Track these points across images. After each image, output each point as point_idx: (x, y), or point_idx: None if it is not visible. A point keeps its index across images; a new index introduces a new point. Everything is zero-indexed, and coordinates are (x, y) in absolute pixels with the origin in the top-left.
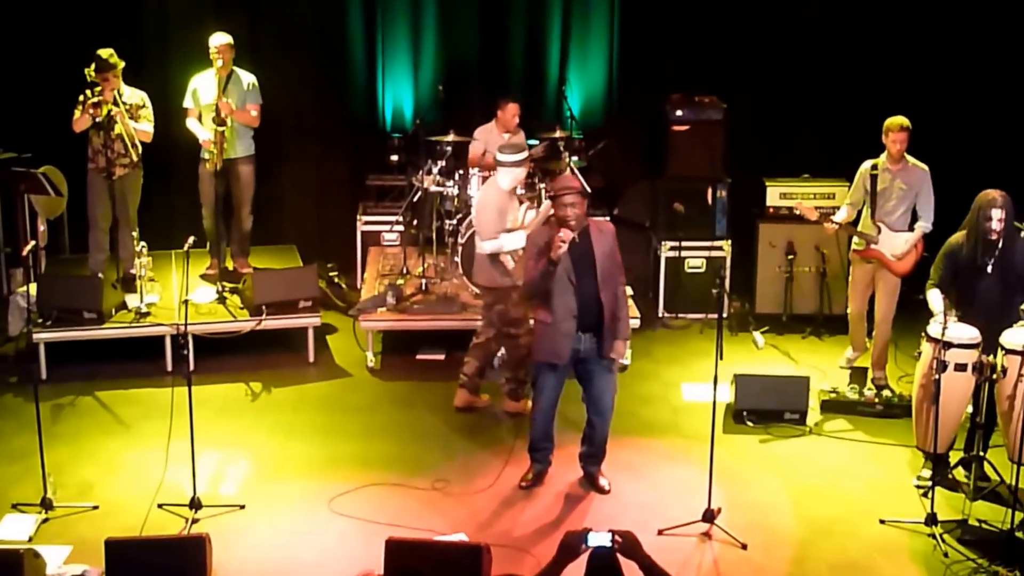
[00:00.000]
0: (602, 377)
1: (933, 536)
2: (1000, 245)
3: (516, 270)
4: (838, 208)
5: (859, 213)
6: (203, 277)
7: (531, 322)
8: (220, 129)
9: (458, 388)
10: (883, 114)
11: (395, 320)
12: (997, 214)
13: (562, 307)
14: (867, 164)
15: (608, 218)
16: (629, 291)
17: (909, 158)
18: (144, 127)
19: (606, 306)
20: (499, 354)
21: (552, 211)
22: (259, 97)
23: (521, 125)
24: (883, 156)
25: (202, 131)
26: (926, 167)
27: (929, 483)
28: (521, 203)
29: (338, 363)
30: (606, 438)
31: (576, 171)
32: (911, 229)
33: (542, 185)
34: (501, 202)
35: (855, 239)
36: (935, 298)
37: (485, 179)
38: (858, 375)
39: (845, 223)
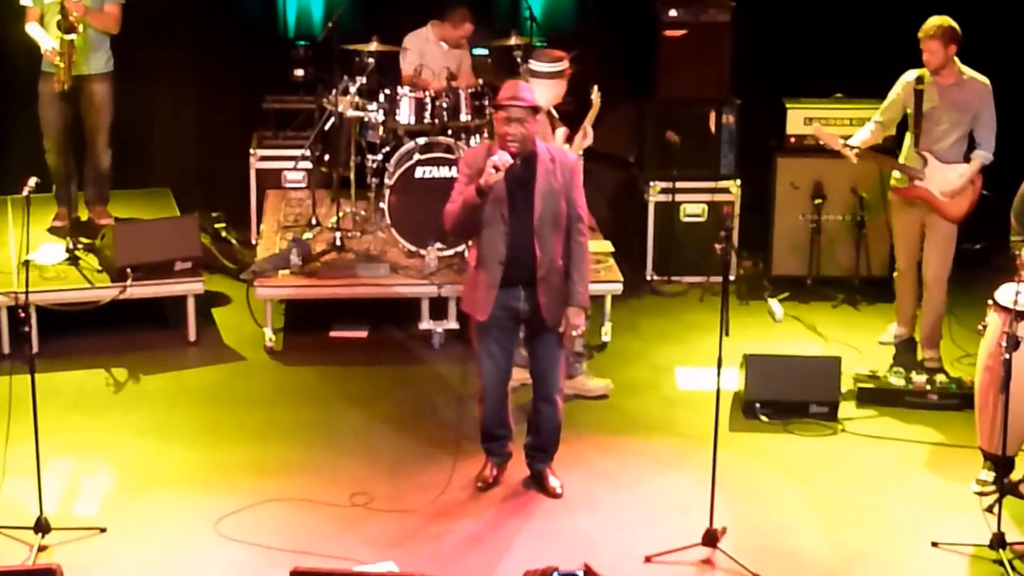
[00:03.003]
0: (547, 350)
1: (1000, 563)
2: None
3: None
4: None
5: (898, 142)
6: (49, 231)
7: None
8: (68, 37)
9: None
10: (940, 9)
11: (301, 286)
12: None
13: (489, 250)
14: (911, 74)
15: (580, 155)
16: (608, 247)
17: (965, 69)
18: None
19: (541, 256)
20: (439, 328)
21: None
22: None
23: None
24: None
25: (45, 38)
26: (987, 81)
27: (989, 491)
28: (556, 128)
29: (227, 343)
30: (557, 428)
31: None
32: (966, 160)
33: (490, 108)
34: (542, 126)
35: (895, 174)
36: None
37: (419, 102)
38: (905, 355)
39: (868, 149)
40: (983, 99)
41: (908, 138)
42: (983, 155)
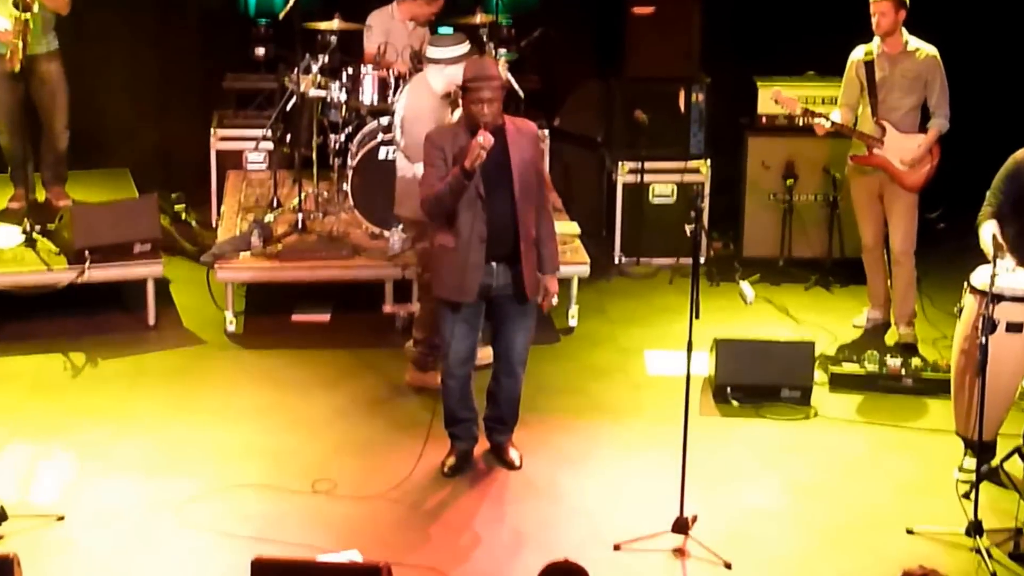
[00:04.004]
0: (515, 321)
1: (977, 550)
2: None
3: None
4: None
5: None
6: (5, 213)
7: None
8: (24, 16)
9: (408, 365)
10: None
11: (263, 269)
12: None
13: (468, 229)
14: (858, 51)
15: (546, 131)
16: (575, 228)
17: (911, 39)
18: None
19: (523, 229)
20: (402, 312)
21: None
22: None
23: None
24: (876, 39)
25: None
26: (934, 49)
27: (972, 480)
28: (454, 110)
29: (187, 326)
30: (517, 399)
31: (503, 65)
32: (923, 131)
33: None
34: (435, 111)
35: (853, 143)
36: (988, 233)
37: (383, 81)
38: (878, 338)
39: (840, 123)
40: (931, 68)
41: (864, 110)
42: (939, 123)
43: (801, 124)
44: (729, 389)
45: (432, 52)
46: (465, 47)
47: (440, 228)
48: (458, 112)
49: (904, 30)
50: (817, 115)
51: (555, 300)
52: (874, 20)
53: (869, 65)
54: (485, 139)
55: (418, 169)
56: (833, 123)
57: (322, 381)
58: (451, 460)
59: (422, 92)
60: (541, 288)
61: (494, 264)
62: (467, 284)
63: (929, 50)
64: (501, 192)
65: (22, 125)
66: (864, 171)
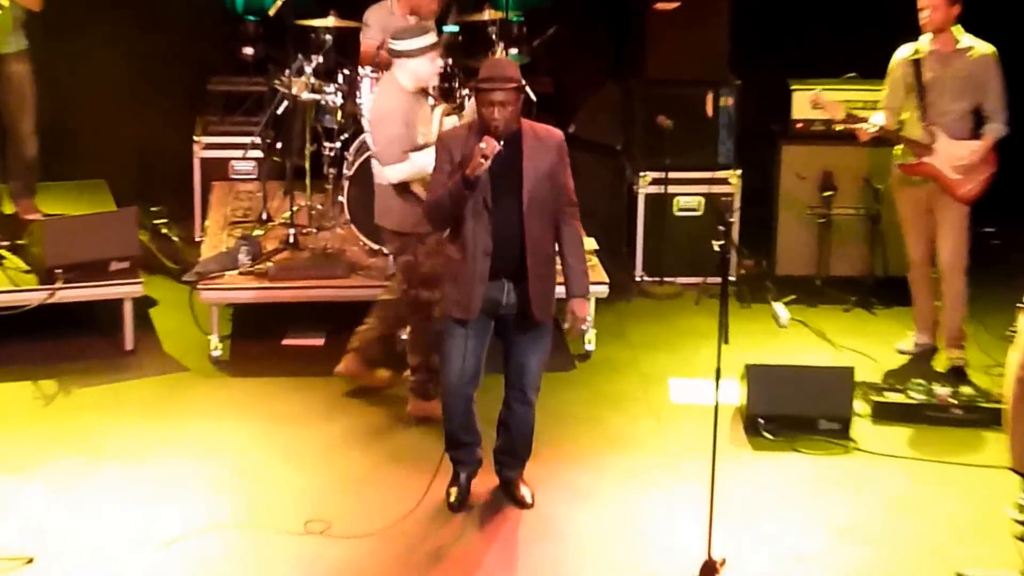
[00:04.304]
0: (527, 344)
1: None
2: None
3: None
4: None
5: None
6: None
7: None
8: None
9: (347, 352)
10: None
11: (251, 289)
12: None
13: (473, 240)
14: (905, 49)
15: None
16: (592, 244)
17: (964, 37)
18: None
19: (531, 244)
20: (402, 335)
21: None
22: None
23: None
24: (925, 36)
25: None
26: (991, 48)
27: None
28: (435, 107)
29: (168, 352)
30: (530, 430)
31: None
32: (977, 137)
33: (465, 92)
34: (405, 109)
35: (898, 150)
36: None
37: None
38: (925, 364)
39: (886, 129)
40: (987, 68)
41: (912, 114)
42: (996, 128)
43: (841, 130)
44: (761, 420)
45: (394, 44)
46: (430, 38)
47: (447, 239)
48: (438, 111)
49: (958, 27)
50: (860, 120)
51: (585, 326)
52: (923, 16)
53: (917, 65)
54: (488, 146)
55: (388, 173)
56: (879, 127)
57: (316, 411)
58: (455, 490)
59: (390, 90)
60: (568, 313)
61: (504, 280)
62: (470, 299)
63: (984, 49)
64: (509, 203)
65: None
66: (912, 181)
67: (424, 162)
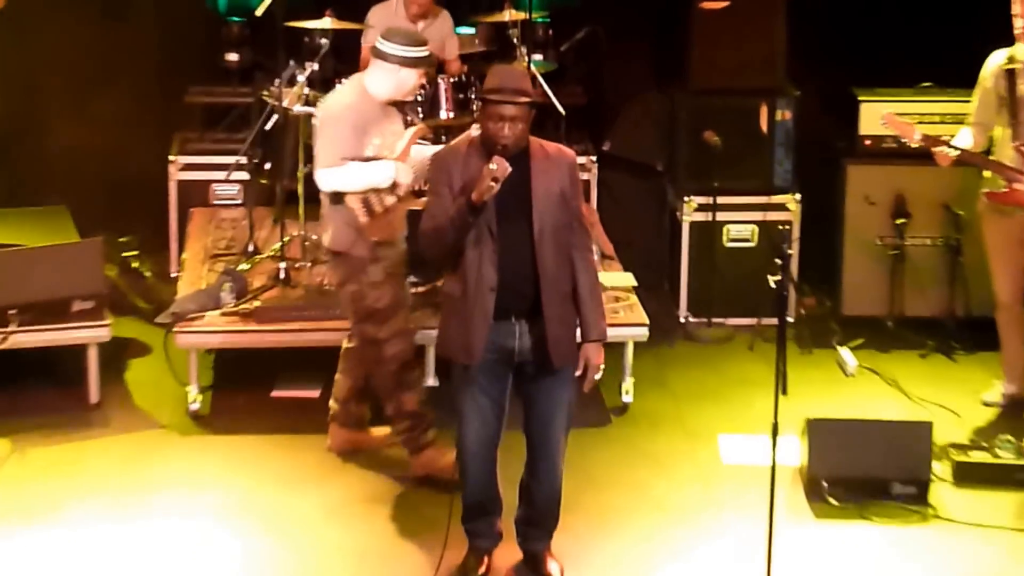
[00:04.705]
0: (549, 395)
1: None
2: None
3: (373, 226)
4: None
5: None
6: None
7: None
8: None
9: (330, 423)
10: None
11: (235, 332)
12: None
13: (475, 272)
14: (998, 56)
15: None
16: (630, 280)
17: None
18: None
19: (546, 277)
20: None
21: (477, 128)
22: None
23: (449, 3)
24: (1021, 46)
25: None
26: None
27: None
28: (409, 125)
29: (139, 405)
30: (558, 496)
31: (537, 75)
32: None
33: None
34: (362, 114)
35: (986, 175)
36: None
37: None
38: (1015, 418)
39: (971, 152)
40: None
41: (1002, 132)
42: None
43: (915, 148)
44: (825, 483)
45: (385, 46)
46: (424, 51)
47: (445, 272)
48: (409, 133)
49: None
50: (940, 141)
51: (599, 375)
52: (1017, 26)
53: (1011, 74)
54: (499, 165)
55: (317, 177)
56: (961, 151)
57: (309, 474)
58: (471, 566)
59: (350, 92)
60: (582, 360)
61: (516, 322)
62: (469, 341)
63: None
64: (517, 231)
65: None
66: (1002, 211)
67: (363, 176)
